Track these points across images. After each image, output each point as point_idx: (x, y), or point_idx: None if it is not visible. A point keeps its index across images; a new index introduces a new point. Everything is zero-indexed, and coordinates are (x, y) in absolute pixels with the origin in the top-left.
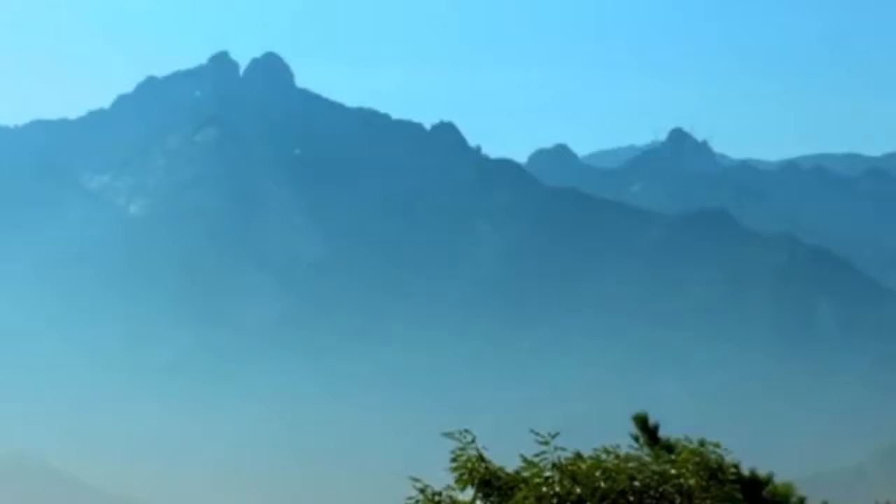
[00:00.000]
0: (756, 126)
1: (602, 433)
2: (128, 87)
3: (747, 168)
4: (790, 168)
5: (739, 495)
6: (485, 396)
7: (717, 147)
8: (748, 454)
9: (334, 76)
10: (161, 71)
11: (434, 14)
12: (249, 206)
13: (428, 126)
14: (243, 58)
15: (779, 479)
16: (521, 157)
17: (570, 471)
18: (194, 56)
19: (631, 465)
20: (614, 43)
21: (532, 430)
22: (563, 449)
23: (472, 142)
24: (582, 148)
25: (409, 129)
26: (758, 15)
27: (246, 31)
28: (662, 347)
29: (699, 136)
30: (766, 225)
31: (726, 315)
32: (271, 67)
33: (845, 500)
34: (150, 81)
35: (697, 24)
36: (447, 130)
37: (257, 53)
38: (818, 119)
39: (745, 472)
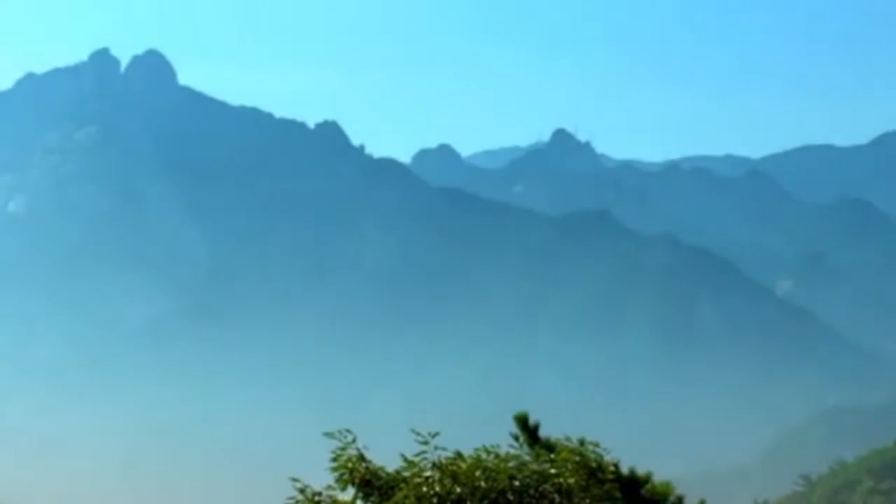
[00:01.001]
0: (638, 127)
1: (483, 433)
2: (6, 83)
3: (629, 169)
4: (672, 169)
5: (618, 494)
6: (368, 395)
7: (600, 148)
8: (629, 453)
9: (218, 75)
10: (41, 67)
11: (318, 13)
12: (131, 204)
13: (311, 125)
14: (124, 55)
15: (659, 478)
16: (405, 156)
17: (450, 470)
18: (75, 53)
19: (511, 464)
20: (498, 43)
21: (412, 430)
22: (444, 449)
23: (355, 141)
24: (465, 148)
25: (292, 128)
26: (639, 16)
27: (127, 28)
28: (545, 347)
29: (582, 136)
30: (648, 225)
31: (609, 315)
32: (153, 65)
33: (727, 498)
34: (30, 78)
35: (580, 24)
36: (330, 129)
37: (139, 51)
38: (699, 121)
39: (625, 471)
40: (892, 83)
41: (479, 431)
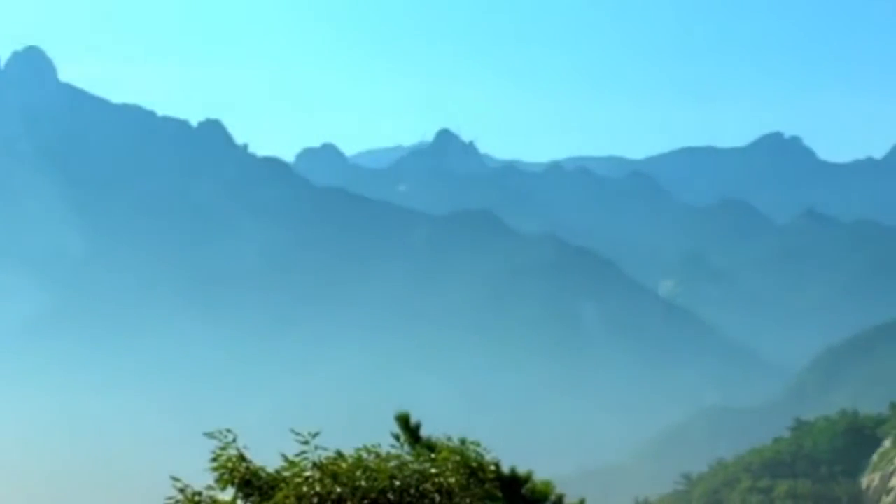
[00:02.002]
0: (522, 128)
1: (365, 432)
2: None
3: (513, 169)
4: (555, 169)
5: (499, 493)
6: (250, 395)
7: (484, 148)
8: (511, 453)
9: (100, 72)
10: None
11: (206, 12)
12: (9, 200)
13: (194, 123)
14: (3, 51)
15: (540, 478)
16: (289, 155)
17: (330, 470)
18: None
19: (392, 464)
20: (382, 42)
21: (292, 430)
22: (325, 448)
23: (238, 140)
24: (349, 147)
25: (175, 126)
26: (524, 18)
27: (6, 24)
28: (427, 347)
29: (466, 136)
30: (532, 225)
31: (492, 314)
32: (33, 61)
33: (608, 496)
34: None
35: (465, 25)
36: (213, 128)
37: (18, 47)
38: (582, 122)
39: (506, 470)
40: (772, 86)
41: (361, 431)
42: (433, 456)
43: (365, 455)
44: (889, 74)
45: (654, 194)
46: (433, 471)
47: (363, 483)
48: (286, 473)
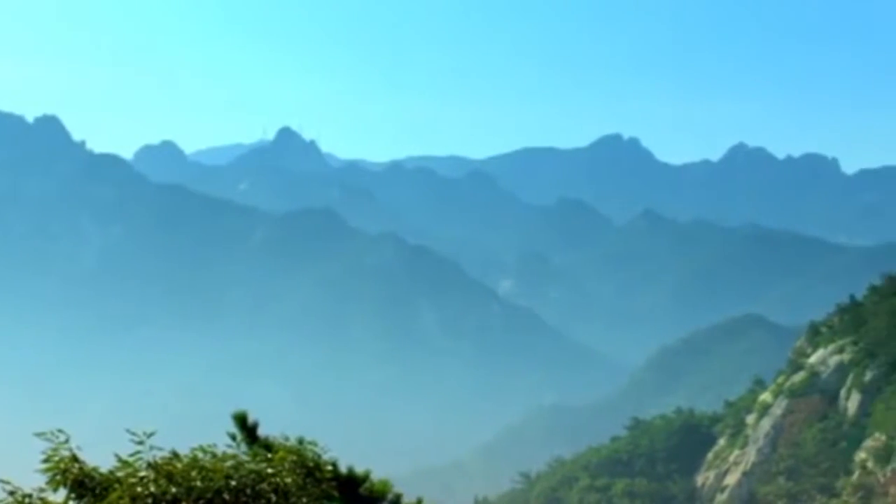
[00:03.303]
0: (363, 127)
1: (202, 433)
2: None
3: (354, 168)
4: (396, 168)
5: (336, 493)
6: (87, 398)
7: (325, 147)
8: (350, 453)
9: None
10: None
11: (42, 8)
12: None
13: (30, 119)
14: None
15: (379, 477)
16: (127, 152)
17: (165, 470)
18: None
19: (228, 463)
20: (223, 39)
21: (127, 430)
22: (160, 448)
23: (76, 136)
24: (189, 145)
25: (10, 121)
26: (366, 17)
27: None
28: (265, 347)
29: (307, 135)
30: (373, 225)
31: (331, 315)
32: None
33: (447, 494)
34: None
35: (307, 22)
36: (50, 124)
37: None
38: (423, 122)
39: (343, 469)
40: (611, 88)
41: (200, 432)
42: (270, 456)
43: (201, 455)
44: (727, 78)
45: (495, 194)
46: (269, 470)
47: (198, 483)
48: (120, 474)
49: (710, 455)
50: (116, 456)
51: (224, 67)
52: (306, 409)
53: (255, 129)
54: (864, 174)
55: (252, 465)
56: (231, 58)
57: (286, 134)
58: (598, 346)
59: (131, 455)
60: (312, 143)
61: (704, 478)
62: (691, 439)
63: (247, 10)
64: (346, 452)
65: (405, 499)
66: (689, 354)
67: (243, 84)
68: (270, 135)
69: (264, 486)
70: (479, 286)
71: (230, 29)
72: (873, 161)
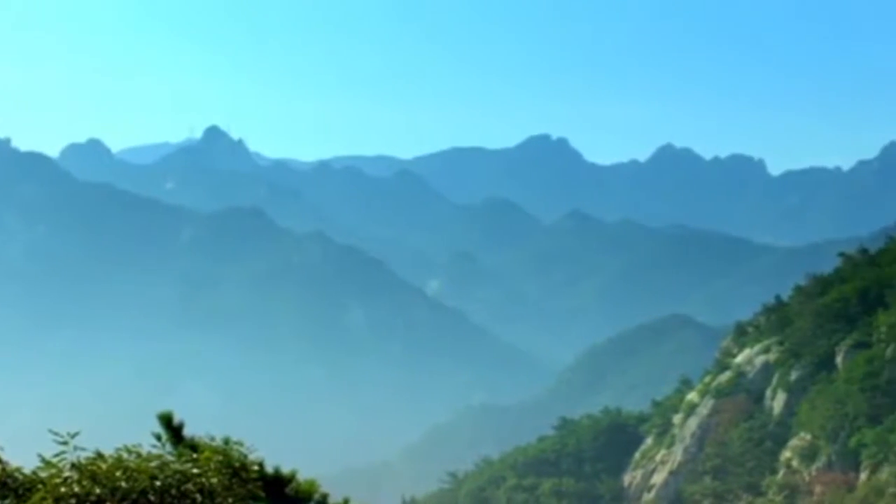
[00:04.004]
0: (291, 127)
1: (128, 433)
2: None
3: (282, 167)
4: (324, 168)
5: (262, 493)
6: (10, 396)
7: (253, 146)
8: (279, 455)
9: None
10: None
11: None
12: None
13: None
14: None
15: (306, 477)
16: (54, 150)
17: (89, 471)
18: None
19: (153, 464)
20: (150, 37)
21: (51, 431)
22: (84, 449)
23: (1, 134)
24: (116, 143)
25: None
26: (289, 19)
27: None
28: (192, 347)
29: (235, 134)
30: (300, 224)
31: (259, 315)
32: None
33: (374, 495)
34: None
35: (235, 20)
36: None
37: None
38: (351, 121)
39: (270, 469)
40: (540, 88)
41: (125, 432)
42: (195, 456)
43: (125, 455)
44: (655, 80)
45: (423, 194)
46: (195, 471)
47: (123, 483)
48: (44, 474)
49: (637, 455)
50: (40, 456)
51: (151, 66)
52: (233, 410)
53: (183, 128)
54: (790, 175)
55: (177, 466)
56: (158, 56)
57: (214, 133)
58: (526, 346)
59: (55, 456)
60: (240, 142)
61: (631, 477)
62: (619, 439)
63: (174, 7)
64: (273, 453)
65: (332, 499)
66: (616, 354)
67: (171, 83)
68: (198, 133)
69: (190, 486)
70: (407, 286)
71: (157, 27)
72: (798, 163)
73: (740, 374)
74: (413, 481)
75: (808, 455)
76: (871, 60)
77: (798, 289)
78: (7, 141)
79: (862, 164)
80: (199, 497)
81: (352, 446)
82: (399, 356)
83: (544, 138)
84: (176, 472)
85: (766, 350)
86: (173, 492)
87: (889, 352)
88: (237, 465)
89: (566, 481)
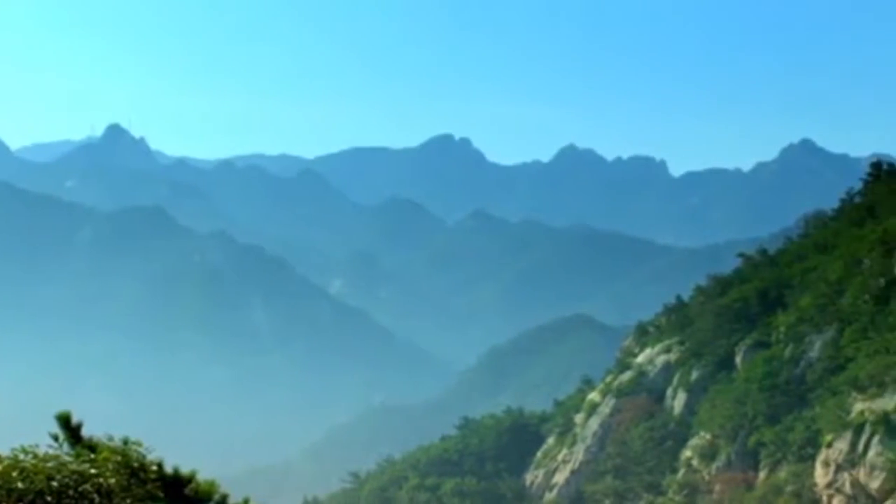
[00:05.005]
0: (193, 125)
1: (25, 434)
2: None
3: (184, 166)
4: (225, 167)
5: (161, 494)
6: None
7: (154, 144)
8: (180, 455)
9: None
10: None
11: None
12: None
13: None
14: None
15: (207, 477)
16: None
17: None
18: None
19: (50, 464)
20: (51, 33)
21: None
22: None
23: None
24: (14, 140)
25: None
26: (190, 15)
27: None
28: (91, 347)
29: (136, 132)
30: (202, 223)
31: (159, 314)
32: None
33: (276, 495)
34: None
35: (134, 22)
36: None
37: None
38: (253, 120)
39: (169, 470)
40: (443, 88)
41: (22, 433)
42: (93, 456)
43: (22, 456)
44: (556, 82)
45: (325, 193)
46: (93, 471)
47: (19, 484)
48: None
49: (539, 454)
50: None
51: (52, 62)
52: (134, 411)
53: (84, 126)
54: (690, 177)
55: (75, 466)
56: (60, 52)
57: (115, 131)
58: (429, 346)
59: None
60: (141, 140)
61: (533, 476)
62: (521, 438)
63: (75, 3)
64: (174, 453)
65: (233, 499)
66: (518, 354)
67: (72, 79)
68: (99, 131)
69: (87, 486)
70: (309, 286)
71: (57, 23)
72: (699, 164)
73: (641, 374)
74: (315, 481)
75: (708, 454)
76: (768, 64)
77: (699, 289)
78: None
79: (761, 165)
80: (96, 497)
81: (254, 446)
82: (301, 356)
83: (447, 138)
84: (73, 472)
85: (667, 350)
86: (71, 492)
87: (787, 352)
88: (136, 465)
89: (468, 481)
